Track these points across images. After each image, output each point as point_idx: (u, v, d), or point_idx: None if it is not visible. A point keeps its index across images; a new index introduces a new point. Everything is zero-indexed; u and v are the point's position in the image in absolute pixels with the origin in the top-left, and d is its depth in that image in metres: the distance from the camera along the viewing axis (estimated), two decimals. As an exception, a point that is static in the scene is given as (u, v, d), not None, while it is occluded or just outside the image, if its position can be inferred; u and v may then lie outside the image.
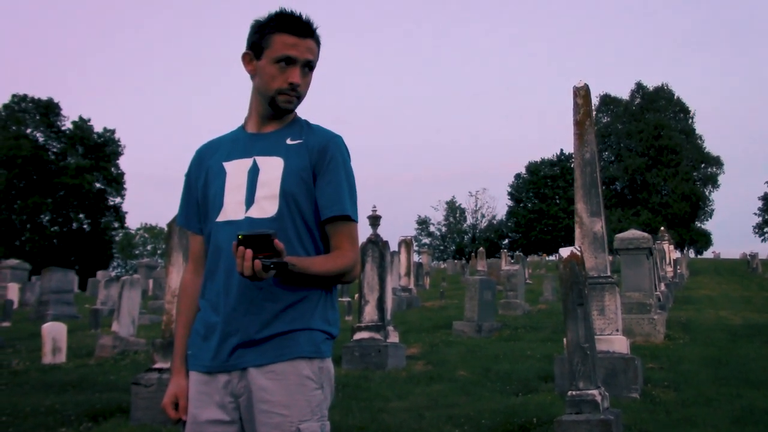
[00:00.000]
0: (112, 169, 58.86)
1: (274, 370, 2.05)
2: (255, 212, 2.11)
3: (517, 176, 77.85)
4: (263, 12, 2.23)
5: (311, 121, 2.30)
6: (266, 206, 2.11)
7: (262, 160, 2.17)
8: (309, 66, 2.20)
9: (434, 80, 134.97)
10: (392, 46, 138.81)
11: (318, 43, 2.23)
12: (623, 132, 71.09)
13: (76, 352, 12.55)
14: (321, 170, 2.16)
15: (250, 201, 2.13)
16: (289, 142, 2.20)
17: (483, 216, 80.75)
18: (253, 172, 2.16)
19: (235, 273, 1.99)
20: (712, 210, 71.77)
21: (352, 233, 2.20)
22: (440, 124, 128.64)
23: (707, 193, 71.07)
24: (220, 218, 2.15)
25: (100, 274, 34.78)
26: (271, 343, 2.06)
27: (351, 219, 2.18)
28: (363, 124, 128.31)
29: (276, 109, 2.20)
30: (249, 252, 1.86)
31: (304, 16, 2.19)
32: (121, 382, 8.80)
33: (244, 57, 2.24)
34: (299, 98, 2.21)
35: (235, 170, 2.18)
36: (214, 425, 2.10)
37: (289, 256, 1.96)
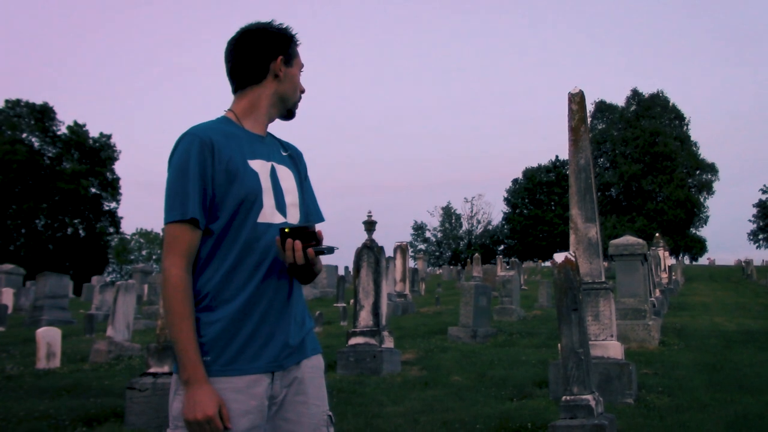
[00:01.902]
0: (108, 174, 58.81)
1: (307, 365, 2.21)
2: (289, 218, 2.23)
3: (515, 181, 78.06)
4: (257, 18, 2.32)
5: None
6: (293, 213, 2.25)
7: (278, 168, 2.26)
8: None
9: (431, 86, 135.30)
10: (389, 54, 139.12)
11: None
12: (618, 138, 71.37)
13: (70, 357, 12.52)
14: (302, 181, 2.37)
15: (281, 205, 2.21)
16: (283, 153, 2.33)
17: (479, 222, 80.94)
18: (274, 178, 2.23)
19: (277, 275, 2.13)
20: (707, 216, 72.16)
21: None
22: (436, 131, 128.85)
23: (702, 200, 71.38)
24: (261, 219, 2.15)
25: (95, 279, 34.76)
26: (305, 340, 2.23)
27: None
28: (359, 130, 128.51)
29: (291, 115, 2.37)
30: (298, 243, 2.02)
31: None
32: (115, 387, 8.78)
33: (277, 59, 2.27)
34: None
35: (262, 172, 2.20)
36: None
37: None
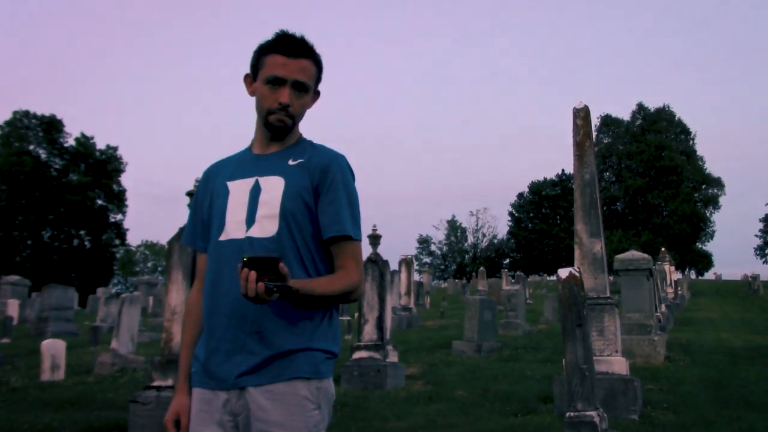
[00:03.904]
0: (114, 186, 59.02)
1: (272, 390, 2.06)
2: (256, 231, 2.12)
3: (520, 195, 78.00)
4: (266, 30, 2.28)
5: (316, 141, 2.32)
6: (267, 225, 2.12)
7: (263, 180, 2.18)
8: (300, 86, 2.20)
9: (436, 98, 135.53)
10: (395, 67, 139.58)
11: (317, 63, 2.24)
12: (624, 153, 71.27)
13: (75, 370, 12.52)
14: (323, 189, 2.17)
15: (251, 220, 2.14)
16: (291, 162, 2.21)
17: (484, 235, 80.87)
18: (255, 192, 2.17)
19: (233, 292, 2.03)
20: (713, 231, 71.82)
21: (355, 252, 2.20)
22: (442, 143, 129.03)
23: (708, 214, 71.09)
24: (222, 237, 2.17)
25: (100, 291, 34.73)
26: (270, 363, 2.07)
27: (353, 238, 2.19)
28: (365, 143, 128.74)
29: (270, 128, 2.22)
30: (253, 274, 1.88)
31: (298, 37, 2.21)
32: (119, 400, 8.77)
33: (245, 79, 2.28)
34: (292, 118, 2.21)
35: (238, 190, 2.20)
36: None
37: (294, 280, 1.98)
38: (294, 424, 2.05)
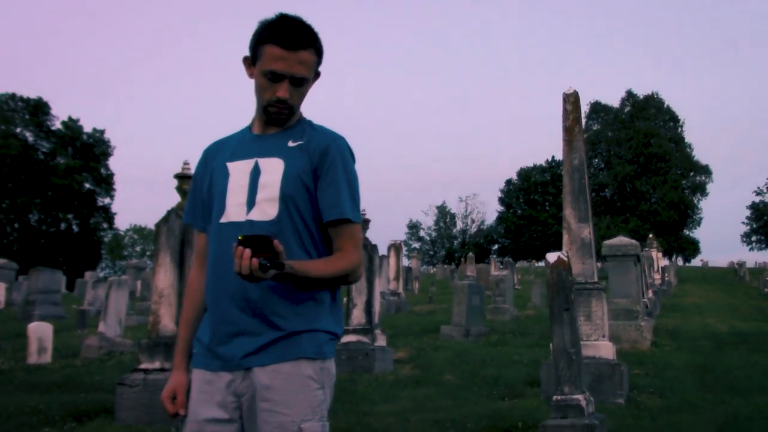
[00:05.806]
0: (102, 169, 58.70)
1: (277, 370, 2.07)
2: (256, 215, 2.12)
3: (509, 182, 78.11)
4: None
5: (315, 121, 2.29)
6: (267, 209, 2.12)
7: (263, 162, 2.17)
8: (299, 81, 2.16)
9: (425, 85, 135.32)
10: (385, 52, 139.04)
11: (317, 51, 2.19)
12: (613, 139, 71.42)
13: (62, 353, 12.48)
14: (322, 172, 2.16)
15: (251, 203, 2.13)
16: (290, 144, 2.19)
17: (473, 221, 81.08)
18: (255, 174, 2.16)
19: (234, 274, 2.01)
20: (701, 218, 72.25)
21: (354, 234, 2.19)
22: (431, 130, 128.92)
23: (696, 202, 71.48)
24: (223, 219, 2.16)
25: (87, 274, 34.55)
26: (275, 343, 2.08)
27: (352, 221, 2.18)
28: (355, 128, 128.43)
29: (268, 117, 2.20)
30: (247, 251, 1.89)
31: (298, 26, 2.15)
32: (106, 383, 8.75)
33: (245, 61, 2.23)
34: (290, 109, 2.19)
35: (238, 171, 2.18)
36: (214, 424, 2.11)
37: (289, 260, 1.98)
38: (299, 403, 2.06)
